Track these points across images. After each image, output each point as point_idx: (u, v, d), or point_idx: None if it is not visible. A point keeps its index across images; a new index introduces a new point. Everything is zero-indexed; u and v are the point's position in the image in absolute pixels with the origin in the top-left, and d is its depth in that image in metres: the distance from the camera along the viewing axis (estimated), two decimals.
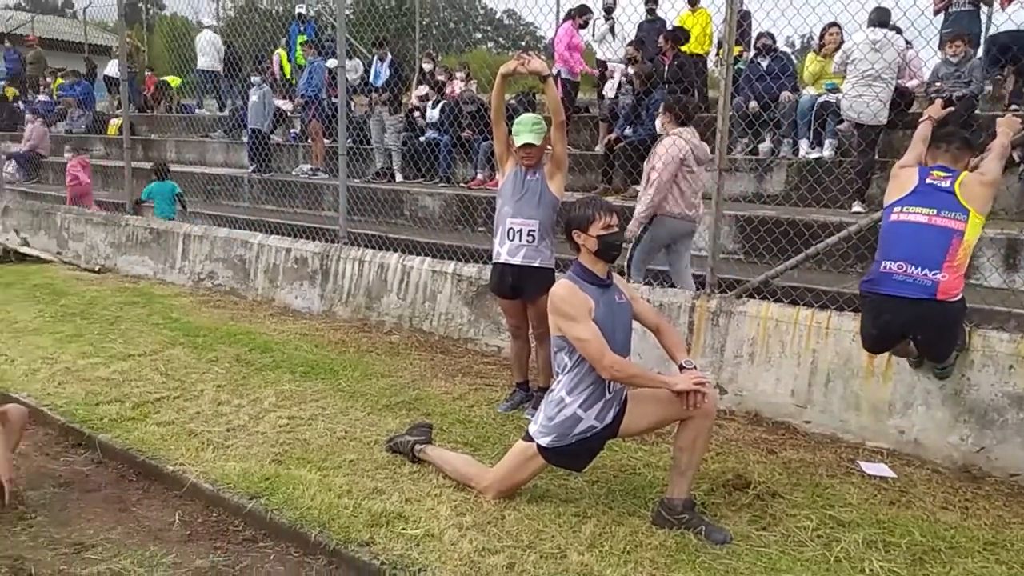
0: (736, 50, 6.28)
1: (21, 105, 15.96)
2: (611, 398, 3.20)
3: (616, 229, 3.19)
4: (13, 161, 12.98)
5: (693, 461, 3.17)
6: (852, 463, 3.88)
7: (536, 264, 4.22)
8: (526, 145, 4.11)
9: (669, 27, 8.91)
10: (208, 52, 12.55)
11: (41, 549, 3.07)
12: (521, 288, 4.30)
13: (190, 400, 4.50)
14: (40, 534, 3.18)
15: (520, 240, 4.22)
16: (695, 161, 5.27)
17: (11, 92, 16.84)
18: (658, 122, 5.58)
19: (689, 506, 3.16)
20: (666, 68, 8.10)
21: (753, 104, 7.60)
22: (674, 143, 5.24)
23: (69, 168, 10.55)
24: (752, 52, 8.50)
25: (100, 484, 3.67)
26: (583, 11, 9.20)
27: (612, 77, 8.64)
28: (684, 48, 8.36)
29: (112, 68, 14.71)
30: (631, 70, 7.93)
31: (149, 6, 20.04)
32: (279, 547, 3.12)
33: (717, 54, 8.75)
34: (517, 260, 4.24)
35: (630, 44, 8.54)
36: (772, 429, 4.30)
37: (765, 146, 7.64)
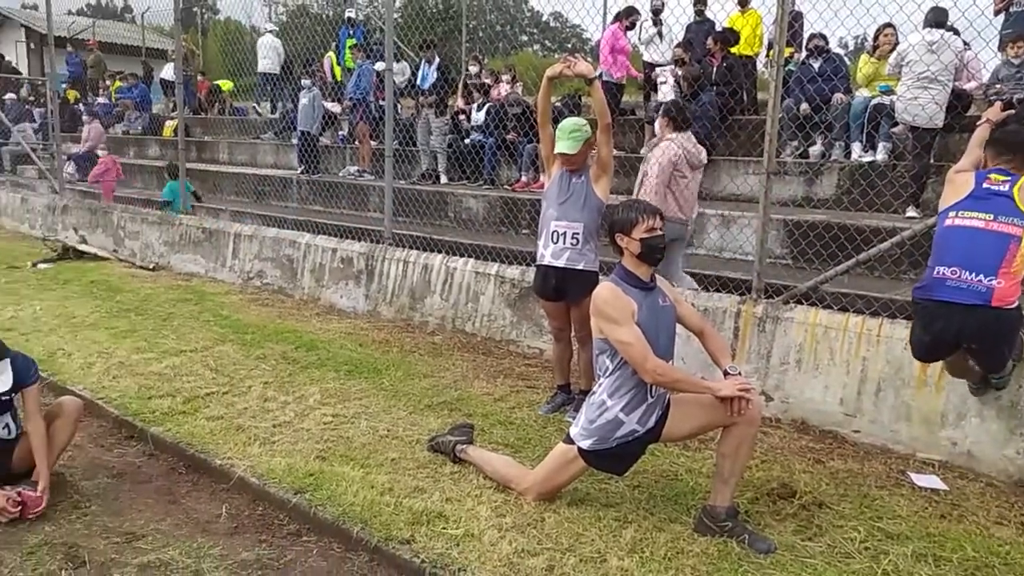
0: (787, 51, 6.19)
1: (81, 107, 16.51)
2: (653, 402, 3.17)
3: (659, 232, 3.17)
4: (72, 162, 13.41)
5: (736, 468, 3.12)
6: (902, 475, 3.78)
7: (580, 267, 4.21)
8: (562, 153, 4.13)
9: (718, 28, 8.82)
10: (269, 56, 12.78)
11: (95, 537, 3.17)
12: (564, 290, 4.29)
13: (238, 396, 4.60)
14: (94, 523, 3.29)
15: (564, 243, 4.22)
16: (688, 166, 5.32)
17: (72, 94, 17.43)
18: (657, 125, 5.66)
19: (732, 514, 3.11)
20: (714, 70, 8.01)
21: (804, 106, 7.46)
22: (667, 148, 5.29)
23: (101, 163, 11.32)
24: (803, 53, 8.34)
25: (151, 476, 3.77)
26: (629, 12, 9.14)
27: (665, 81, 8.55)
28: (733, 50, 8.26)
29: (168, 71, 15.13)
30: (679, 72, 7.86)
31: (204, 11, 20.58)
32: (322, 542, 3.17)
33: (767, 55, 8.62)
34: (561, 262, 4.24)
35: (678, 46, 8.48)
36: (819, 438, 4.21)
37: (816, 149, 7.49)
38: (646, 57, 9.54)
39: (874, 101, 7.05)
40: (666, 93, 8.50)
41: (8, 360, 3.36)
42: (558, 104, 9.01)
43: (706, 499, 3.21)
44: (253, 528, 3.29)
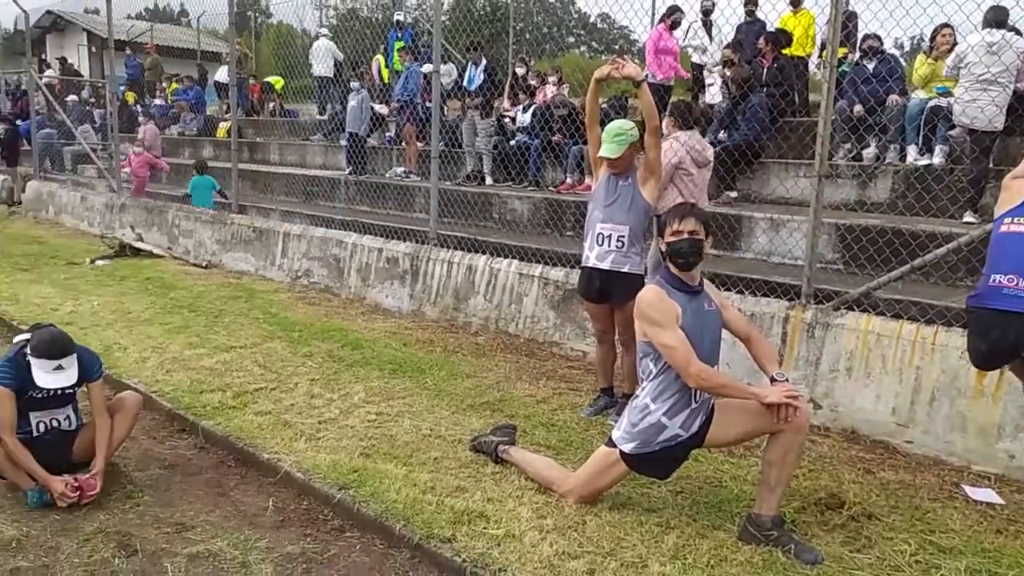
0: (840, 52, 6.05)
1: (139, 108, 17.01)
2: (697, 407, 3.14)
3: (685, 236, 3.11)
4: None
5: (783, 477, 3.07)
6: (956, 487, 3.67)
7: (624, 269, 4.20)
8: (605, 157, 4.13)
9: (769, 28, 8.68)
10: (324, 60, 12.97)
11: (146, 527, 3.26)
12: (609, 293, 4.27)
13: (286, 392, 4.69)
14: (146, 513, 3.39)
15: (609, 246, 4.21)
16: (693, 164, 5.34)
17: (131, 96, 17.96)
18: (664, 124, 5.70)
19: (778, 523, 3.06)
20: (764, 71, 7.89)
21: (858, 108, 7.29)
22: (671, 146, 5.29)
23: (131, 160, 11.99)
24: (857, 54, 8.15)
25: (201, 468, 3.87)
26: (672, 11, 9.04)
27: (713, 83, 8.44)
28: (785, 51, 8.12)
29: (222, 74, 15.49)
30: (727, 73, 7.76)
31: (257, 14, 21.02)
32: (365, 538, 3.21)
33: (820, 56, 8.45)
34: (605, 265, 4.23)
35: (727, 47, 8.36)
36: (870, 448, 4.11)
37: (870, 152, 7.31)
38: (694, 58, 9.43)
39: (931, 103, 6.85)
40: (714, 95, 8.40)
41: (75, 356, 3.48)
42: (604, 106, 8.96)
43: (751, 507, 3.16)
44: (298, 522, 3.35)
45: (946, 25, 7.00)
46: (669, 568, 2.86)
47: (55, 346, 3.40)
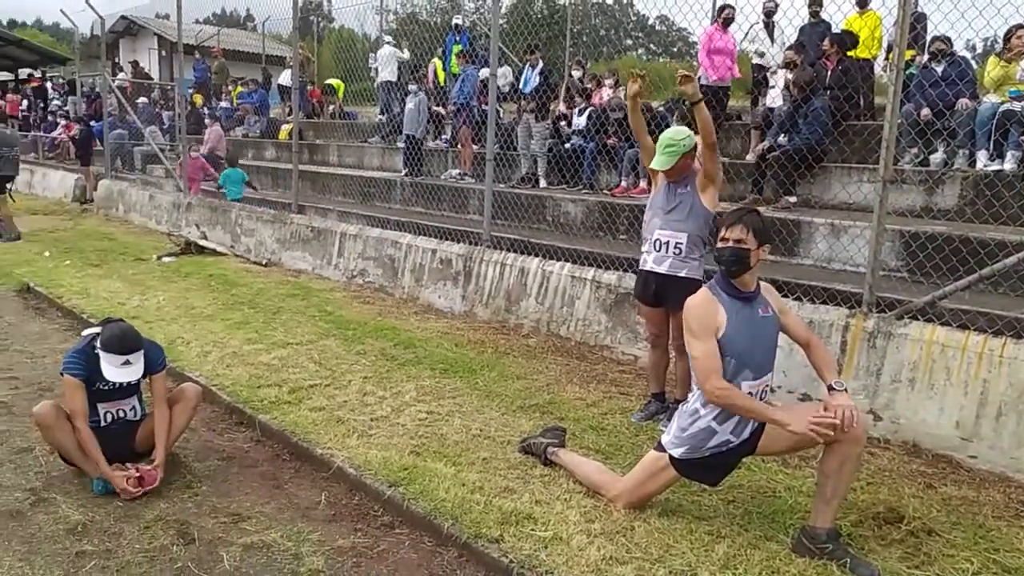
0: (908, 54, 5.87)
1: (205, 111, 17.55)
2: None
3: (730, 244, 3.05)
4: None
5: (839, 489, 2.99)
6: (1023, 505, 3.52)
7: (682, 274, 4.17)
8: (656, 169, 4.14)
9: (834, 30, 8.47)
10: (387, 65, 13.15)
11: (204, 516, 3.36)
12: (664, 296, 4.25)
13: (339, 389, 4.77)
14: (204, 502, 3.49)
15: (667, 252, 4.21)
16: None
17: (198, 99, 18.55)
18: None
19: (834, 536, 2.98)
20: (828, 73, 7.70)
21: (925, 111, 7.06)
22: None
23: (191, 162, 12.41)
24: (925, 57, 7.89)
25: (257, 461, 3.97)
26: (722, 9, 8.88)
27: (774, 86, 8.26)
28: (850, 52, 7.91)
29: (285, 77, 15.87)
30: (789, 75, 7.60)
31: (320, 19, 21.47)
32: (414, 535, 3.25)
33: (887, 59, 8.21)
34: (662, 269, 4.23)
35: (789, 48, 8.19)
36: (931, 462, 3.97)
37: (937, 157, 7.07)
38: (755, 60, 9.26)
39: (1003, 107, 6.58)
40: (774, 98, 8.23)
41: (142, 351, 3.60)
42: (661, 109, 8.90)
43: (806, 519, 3.09)
44: (349, 517, 3.41)
45: (1021, 26, 6.73)
46: None
47: (125, 342, 3.53)
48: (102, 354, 3.50)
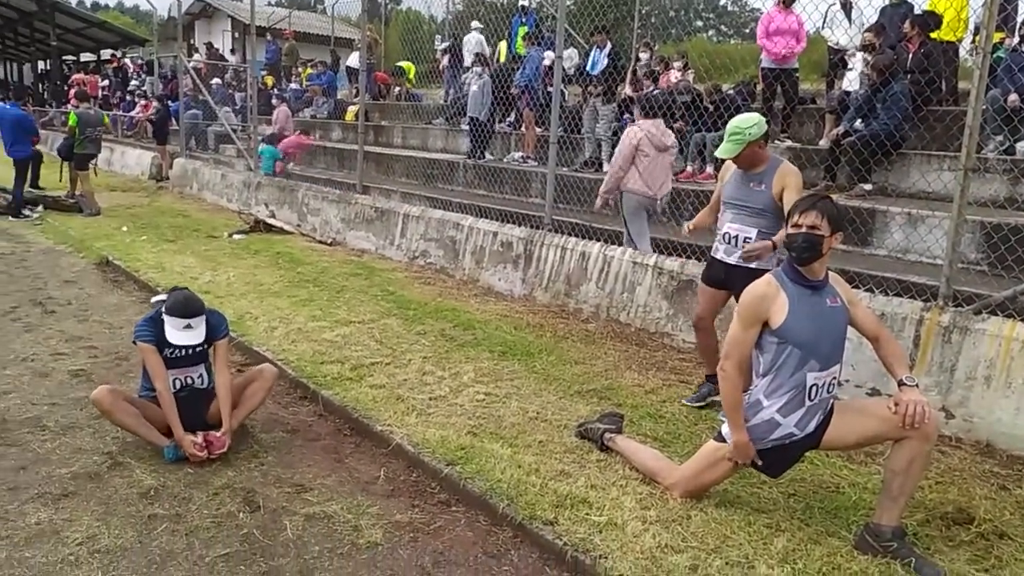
0: (996, 36, 5.58)
1: (275, 92, 17.93)
2: (814, 405, 3.00)
3: (804, 230, 2.94)
4: (264, 143, 14.62)
5: (907, 487, 2.89)
6: None
7: (752, 266, 4.07)
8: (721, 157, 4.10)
9: (917, 11, 8.09)
10: (474, 51, 13.16)
11: (269, 486, 3.47)
12: (732, 284, 4.20)
13: (399, 367, 4.84)
14: (269, 472, 3.60)
15: (736, 245, 4.16)
16: (651, 147, 6.23)
17: (269, 80, 18.97)
18: (635, 113, 6.74)
19: (899, 534, 2.89)
20: (909, 56, 7.38)
21: (1013, 97, 6.70)
22: (630, 132, 6.29)
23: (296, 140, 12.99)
24: (1016, 39, 7.48)
25: (320, 434, 4.07)
26: None
27: (852, 68, 7.92)
28: (933, 35, 7.55)
29: (353, 59, 16.08)
30: (868, 58, 7.31)
31: (387, 1, 21.64)
32: (470, 513, 3.28)
33: (973, 41, 7.80)
34: (732, 260, 4.19)
35: (868, 30, 7.87)
36: (1006, 463, 3.80)
37: None
38: (831, 41, 8.92)
39: None
40: (852, 80, 7.93)
41: (203, 317, 3.74)
42: (731, 92, 8.68)
43: (870, 516, 3.00)
44: (407, 493, 3.46)
45: None
46: (777, 571, 2.76)
47: (188, 307, 3.69)
48: (166, 318, 3.65)
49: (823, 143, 7.82)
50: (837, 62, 8.76)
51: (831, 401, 3.06)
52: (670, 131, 6.48)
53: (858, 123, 7.15)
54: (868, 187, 6.81)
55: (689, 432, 4.04)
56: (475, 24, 13.65)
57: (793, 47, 8.31)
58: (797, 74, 8.69)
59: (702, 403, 4.40)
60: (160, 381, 3.66)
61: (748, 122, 3.96)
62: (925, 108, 7.09)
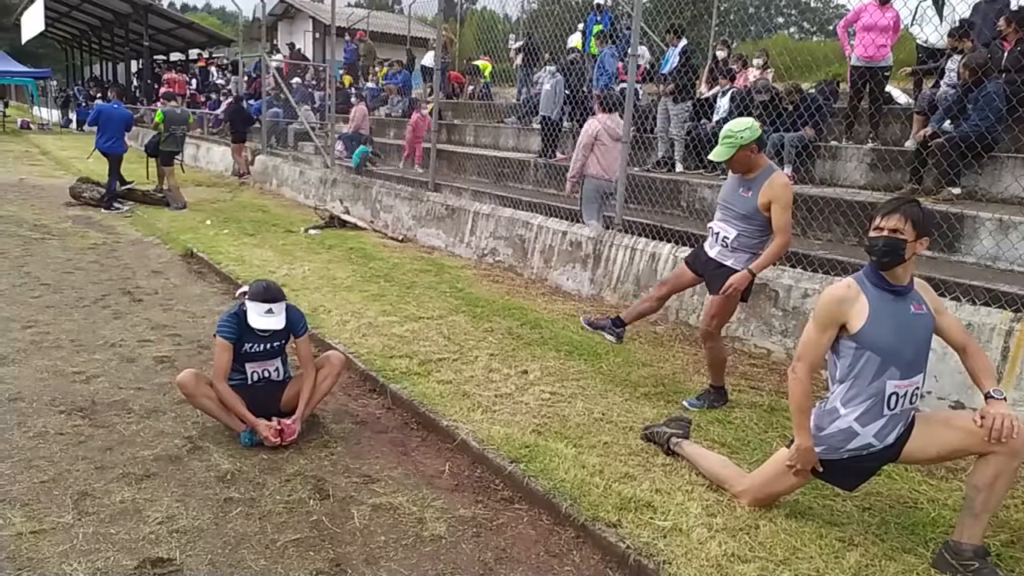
0: None
1: (352, 91, 18.33)
2: (894, 415, 2.88)
3: (885, 233, 2.81)
4: (341, 141, 14.96)
5: (991, 504, 2.75)
6: None
7: (728, 263, 4.21)
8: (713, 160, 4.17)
9: (1013, 7, 7.68)
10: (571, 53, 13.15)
11: (338, 475, 3.56)
12: (703, 273, 4.38)
13: (466, 364, 4.89)
14: (339, 462, 3.69)
15: (716, 241, 4.29)
16: (608, 138, 7.22)
17: (347, 80, 19.40)
18: (595, 106, 7.65)
19: (981, 554, 2.75)
20: (1004, 55, 7.01)
21: None
22: (589, 124, 7.36)
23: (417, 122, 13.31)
24: None
25: (388, 427, 4.15)
26: None
27: (941, 68, 7.56)
28: None
29: (428, 59, 16.30)
30: (960, 57, 6.98)
31: (463, 1, 21.83)
32: (532, 512, 3.29)
33: None
34: (712, 253, 4.32)
35: (950, 34, 7.52)
36: None
37: None
38: (920, 40, 8.55)
39: None
40: (945, 82, 7.57)
41: (284, 303, 3.86)
42: (812, 91, 8.43)
43: (950, 534, 2.87)
44: (471, 488, 3.50)
45: None
46: None
47: (269, 292, 3.83)
48: (248, 305, 3.78)
49: (909, 144, 7.51)
50: (926, 61, 8.38)
51: (912, 413, 2.94)
52: (621, 122, 7.06)
53: (947, 124, 6.84)
54: (956, 191, 6.51)
55: (759, 439, 3.94)
56: (581, 26, 13.45)
57: (882, 48, 7.96)
58: (887, 73, 8.32)
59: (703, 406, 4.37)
60: (220, 378, 3.79)
61: (740, 126, 4.00)
62: (1021, 109, 6.72)
